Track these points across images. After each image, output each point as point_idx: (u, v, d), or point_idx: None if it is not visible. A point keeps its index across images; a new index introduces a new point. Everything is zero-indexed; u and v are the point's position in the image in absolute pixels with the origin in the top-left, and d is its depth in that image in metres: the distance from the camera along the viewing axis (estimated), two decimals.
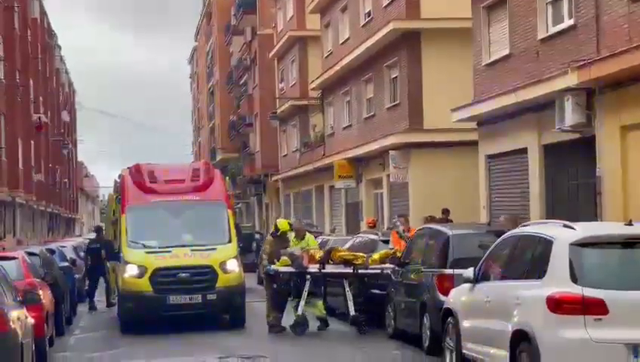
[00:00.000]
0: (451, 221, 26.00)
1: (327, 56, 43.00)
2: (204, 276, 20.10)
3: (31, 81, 59.08)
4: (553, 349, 10.21)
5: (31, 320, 14.04)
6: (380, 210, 35.97)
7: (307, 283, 19.22)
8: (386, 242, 20.46)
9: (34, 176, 59.31)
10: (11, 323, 12.09)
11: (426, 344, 15.84)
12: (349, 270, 19.01)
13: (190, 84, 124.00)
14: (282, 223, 20.75)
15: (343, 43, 39.91)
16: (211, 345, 17.66)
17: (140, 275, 20.04)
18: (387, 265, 18.78)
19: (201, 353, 16.83)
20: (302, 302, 19.18)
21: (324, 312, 19.59)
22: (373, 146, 34.26)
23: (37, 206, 65.51)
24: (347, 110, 40.31)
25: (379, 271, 18.83)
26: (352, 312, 19.01)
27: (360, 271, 18.99)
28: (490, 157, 25.18)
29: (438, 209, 28.33)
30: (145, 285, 19.96)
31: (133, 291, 20.05)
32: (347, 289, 19.15)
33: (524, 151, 22.84)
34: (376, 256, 19.27)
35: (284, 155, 55.01)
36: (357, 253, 19.54)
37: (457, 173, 29.69)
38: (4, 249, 22.99)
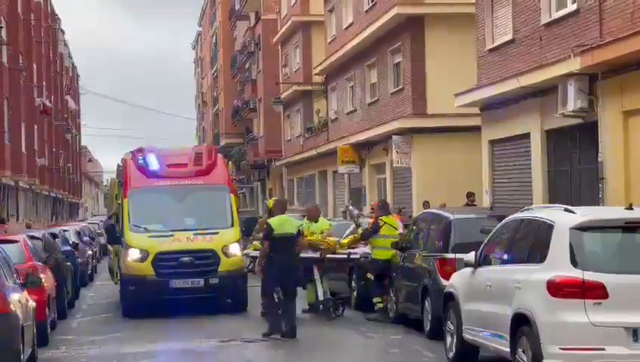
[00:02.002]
0: (475, 205, 26.00)
1: (331, 41, 42.94)
2: (206, 260, 20.12)
3: (34, 65, 59.04)
4: (553, 333, 10.22)
5: (32, 304, 14.06)
6: (384, 195, 35.95)
7: None
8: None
9: (37, 161, 59.35)
10: (12, 306, 12.10)
11: (428, 328, 15.87)
12: (318, 255, 18.95)
13: (194, 68, 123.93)
14: (270, 201, 20.83)
15: (346, 28, 39.86)
16: (213, 329, 17.70)
17: (142, 259, 20.07)
18: (355, 250, 18.68)
19: (203, 337, 16.87)
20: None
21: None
22: (377, 131, 34.25)
23: (40, 190, 65.60)
24: (351, 95, 40.28)
25: (345, 256, 18.73)
26: (321, 297, 18.96)
27: (328, 256, 18.91)
28: (492, 142, 25.17)
29: (441, 193, 28.44)
30: (147, 269, 19.99)
31: (136, 275, 20.08)
32: (316, 274, 19.07)
33: (526, 136, 22.83)
34: (344, 240, 19.21)
35: (288, 140, 54.99)
36: (327, 238, 19.33)
37: (460, 158, 29.70)
38: (5, 232, 23.01)
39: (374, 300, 18.49)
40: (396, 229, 18.59)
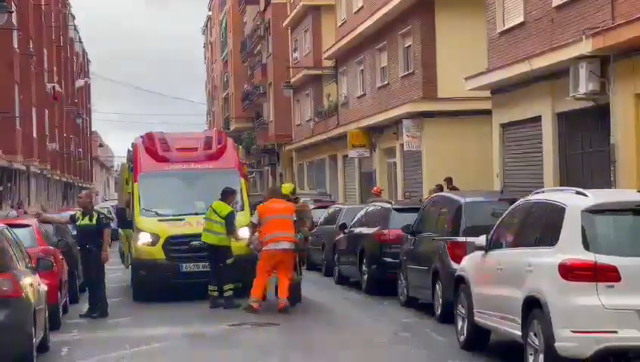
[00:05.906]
0: (457, 189, 25.93)
1: (341, 25, 42.84)
2: None
3: (45, 51, 59.11)
4: (565, 316, 10.18)
5: (44, 287, 14.08)
6: (394, 178, 35.94)
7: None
8: (400, 211, 20.36)
9: (48, 146, 59.48)
10: (24, 289, 12.12)
11: (438, 312, 15.86)
12: None
13: (204, 53, 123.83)
14: (285, 187, 20.68)
15: (356, 12, 39.76)
16: (223, 313, 17.73)
17: (153, 243, 20.08)
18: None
19: (213, 320, 16.90)
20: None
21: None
22: (387, 115, 34.20)
23: (51, 175, 65.73)
24: (361, 79, 40.21)
25: None
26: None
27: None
28: (503, 125, 25.10)
29: (452, 177, 28.27)
30: (158, 253, 20.00)
31: (146, 259, 20.09)
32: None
33: (537, 119, 22.76)
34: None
35: (298, 125, 54.96)
36: None
37: (471, 142, 29.65)
38: (24, 213, 23.04)
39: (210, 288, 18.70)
40: (217, 214, 18.68)
